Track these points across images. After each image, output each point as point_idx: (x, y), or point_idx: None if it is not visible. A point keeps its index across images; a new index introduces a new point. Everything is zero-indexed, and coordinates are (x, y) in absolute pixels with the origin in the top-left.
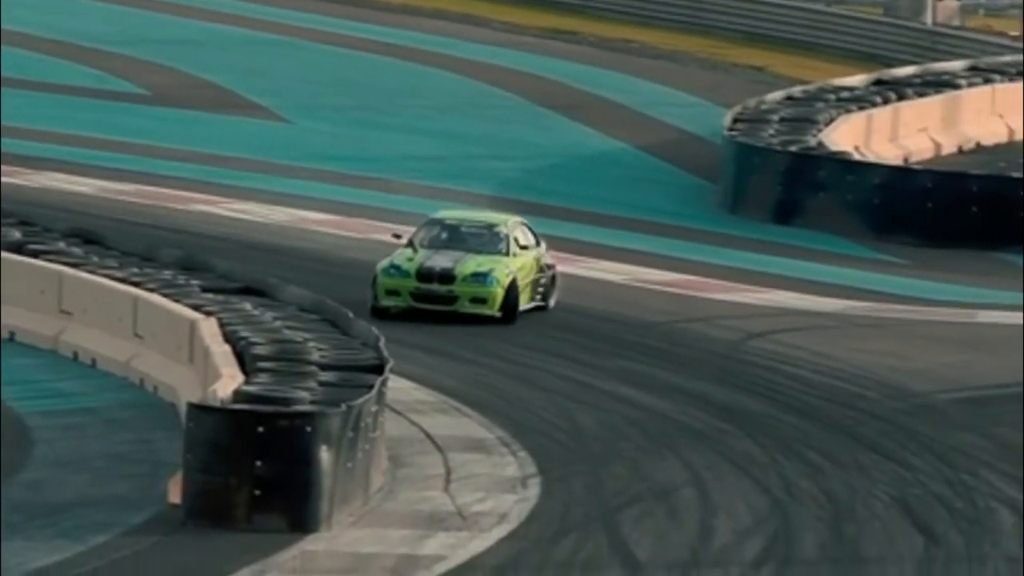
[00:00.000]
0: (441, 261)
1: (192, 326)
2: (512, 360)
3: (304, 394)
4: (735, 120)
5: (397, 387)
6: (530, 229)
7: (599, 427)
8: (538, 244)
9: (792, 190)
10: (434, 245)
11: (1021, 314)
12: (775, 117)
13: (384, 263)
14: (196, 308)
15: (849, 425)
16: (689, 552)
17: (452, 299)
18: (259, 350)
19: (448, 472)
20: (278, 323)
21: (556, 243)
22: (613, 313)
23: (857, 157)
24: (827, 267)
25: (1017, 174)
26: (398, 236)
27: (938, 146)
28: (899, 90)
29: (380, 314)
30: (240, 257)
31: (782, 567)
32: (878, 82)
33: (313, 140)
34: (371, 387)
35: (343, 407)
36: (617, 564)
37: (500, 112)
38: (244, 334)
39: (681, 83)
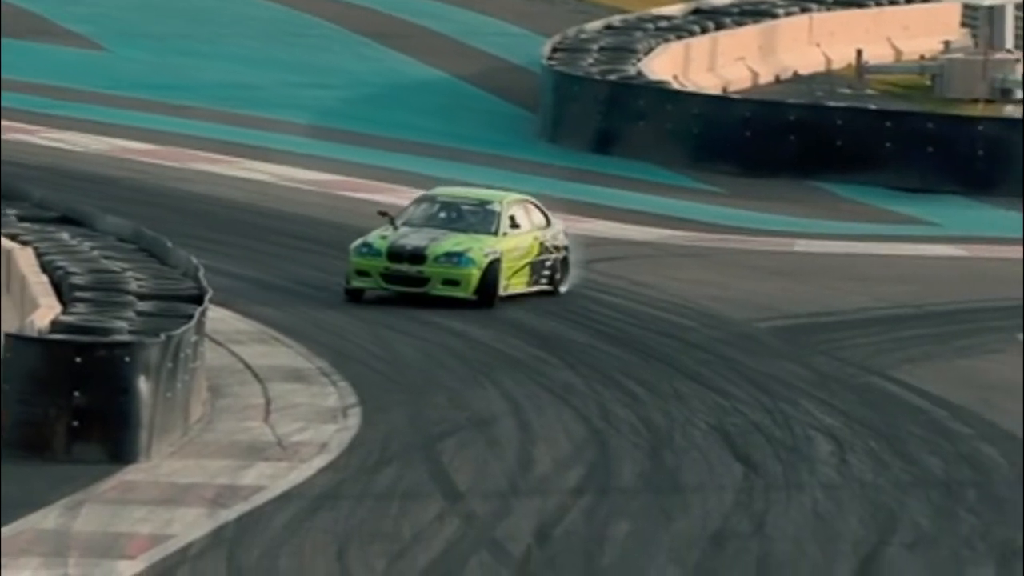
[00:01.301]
0: (415, 240)
1: (8, 256)
2: (332, 290)
3: (122, 324)
4: (554, 49)
5: (217, 317)
6: (538, 208)
7: (419, 357)
8: (548, 224)
9: (611, 119)
10: (418, 223)
11: (837, 242)
12: (594, 46)
13: (357, 241)
14: (12, 238)
15: (668, 354)
16: (509, 481)
17: (423, 280)
18: (77, 280)
19: (268, 402)
20: (96, 253)
21: (374, 172)
22: None
23: (676, 86)
24: (646, 196)
25: (834, 103)
26: (385, 214)
27: (755, 75)
28: (717, 19)
29: (353, 296)
30: (57, 186)
31: (601, 496)
32: (696, 11)
33: (130, 68)
34: (190, 317)
35: (162, 337)
36: (438, 494)
37: (318, 40)
38: (61, 264)
39: (500, 12)
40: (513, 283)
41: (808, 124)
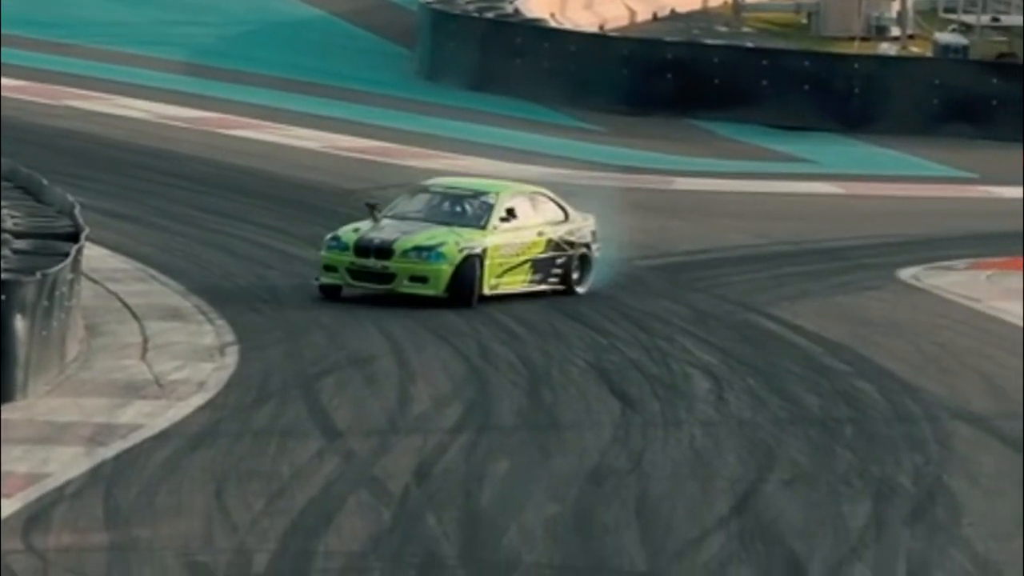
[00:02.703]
0: (386, 233)
1: None
2: (208, 227)
3: None
4: None
5: (93, 255)
6: (554, 200)
7: (297, 295)
8: (566, 218)
9: (488, 57)
10: (404, 216)
11: (715, 180)
12: None
13: (329, 235)
14: None
15: (545, 292)
16: (388, 419)
17: (388, 277)
18: None
19: (145, 340)
20: None
21: (251, 110)
22: (309, 180)
23: (553, 24)
24: (524, 134)
25: (711, 41)
26: (371, 205)
27: (633, 13)
28: None
29: (329, 294)
30: None
31: (480, 433)
32: None
33: (4, 6)
34: (66, 255)
35: (38, 275)
36: (316, 432)
37: None
38: None
39: None
40: (506, 282)
41: (685, 62)
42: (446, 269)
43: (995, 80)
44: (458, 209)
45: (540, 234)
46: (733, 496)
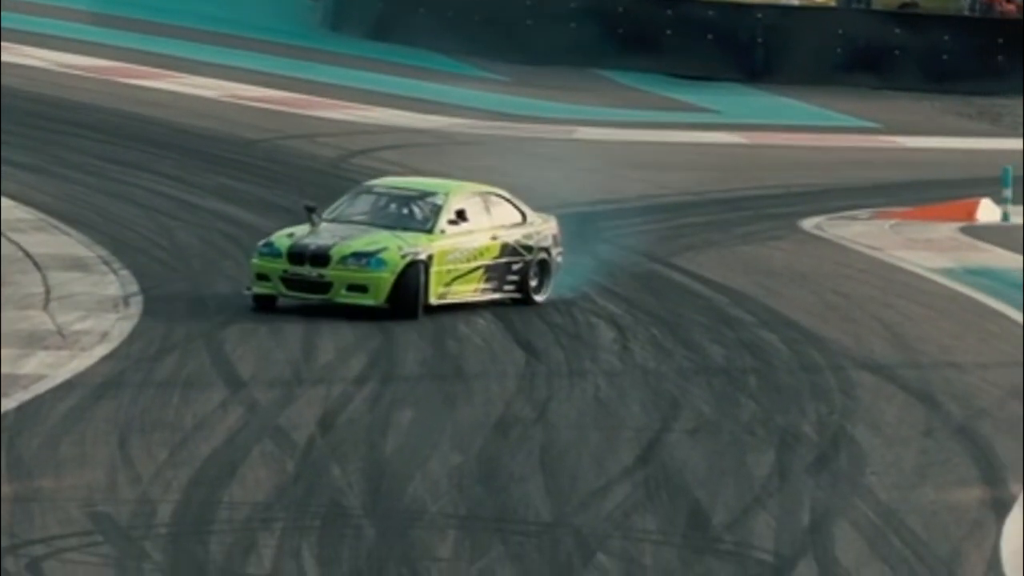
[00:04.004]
0: (322, 238)
1: None
2: (111, 177)
3: None
4: None
5: None
6: (510, 201)
7: (200, 245)
8: (524, 220)
9: (392, 7)
10: (346, 219)
11: (619, 130)
12: None
13: (262, 240)
14: None
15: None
16: (292, 370)
17: (325, 286)
18: None
19: (48, 291)
20: None
21: (154, 60)
22: (211, 130)
23: None
24: (428, 84)
25: None
26: (310, 208)
27: None
28: None
29: (262, 304)
30: None
31: (384, 384)
32: None
33: None
34: None
35: None
36: (220, 382)
37: None
38: None
39: None
40: (455, 290)
41: (590, 12)
42: (387, 277)
43: (898, 30)
44: (404, 211)
45: (494, 238)
46: (638, 446)
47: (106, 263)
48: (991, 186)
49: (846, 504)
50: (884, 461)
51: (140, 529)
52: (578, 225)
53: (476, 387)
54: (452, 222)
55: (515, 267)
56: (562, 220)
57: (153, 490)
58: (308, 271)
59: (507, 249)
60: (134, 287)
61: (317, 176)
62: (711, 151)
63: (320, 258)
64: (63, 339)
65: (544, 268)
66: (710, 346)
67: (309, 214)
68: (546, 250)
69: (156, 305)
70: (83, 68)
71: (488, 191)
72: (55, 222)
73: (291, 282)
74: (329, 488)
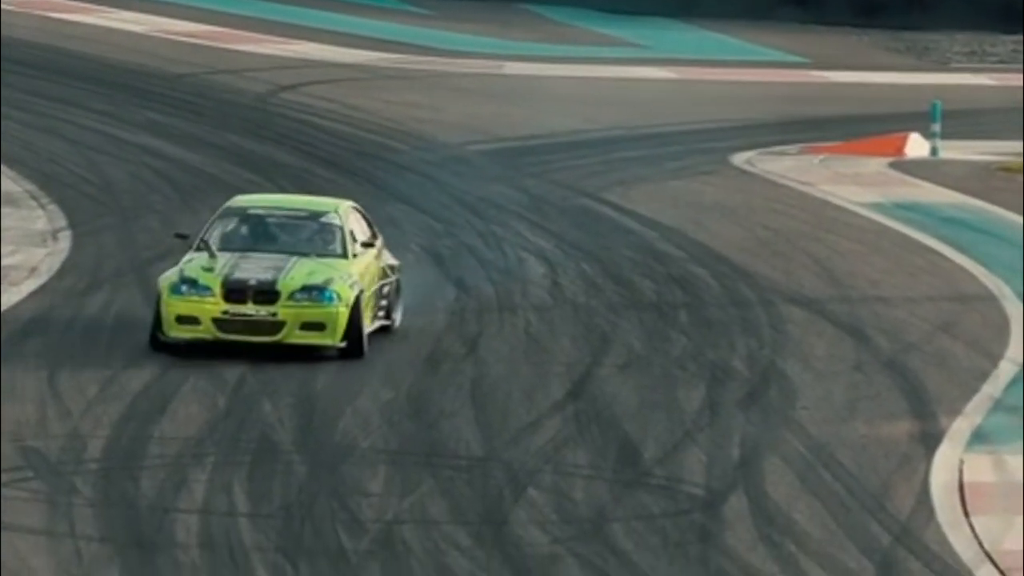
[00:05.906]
0: (255, 270)
1: None
2: (36, 111)
3: None
4: None
5: None
6: (364, 216)
7: (128, 180)
8: (375, 236)
9: None
10: (238, 246)
11: (547, 65)
12: None
13: (170, 276)
14: None
15: (379, 177)
16: None
17: (276, 326)
18: None
19: None
20: None
21: None
22: (138, 65)
23: None
24: (355, 19)
25: None
26: (183, 236)
27: None
28: None
29: (167, 348)
30: None
31: None
32: None
33: None
34: None
35: None
36: (151, 317)
37: None
38: None
39: None
40: (367, 322)
41: None
42: (342, 312)
43: None
44: (299, 234)
45: (377, 258)
46: (568, 380)
47: (34, 198)
48: (920, 121)
49: (777, 438)
50: (814, 395)
51: (70, 464)
52: (507, 159)
53: (406, 322)
54: (365, 244)
55: (385, 290)
56: (491, 155)
57: (83, 425)
58: (255, 311)
59: (382, 271)
60: (62, 222)
61: (245, 111)
62: (640, 86)
63: (266, 294)
64: None
65: (398, 289)
66: (640, 281)
67: (201, 244)
68: (395, 267)
69: (85, 240)
70: (12, 3)
71: (351, 206)
72: None
73: (232, 324)
74: (260, 423)
